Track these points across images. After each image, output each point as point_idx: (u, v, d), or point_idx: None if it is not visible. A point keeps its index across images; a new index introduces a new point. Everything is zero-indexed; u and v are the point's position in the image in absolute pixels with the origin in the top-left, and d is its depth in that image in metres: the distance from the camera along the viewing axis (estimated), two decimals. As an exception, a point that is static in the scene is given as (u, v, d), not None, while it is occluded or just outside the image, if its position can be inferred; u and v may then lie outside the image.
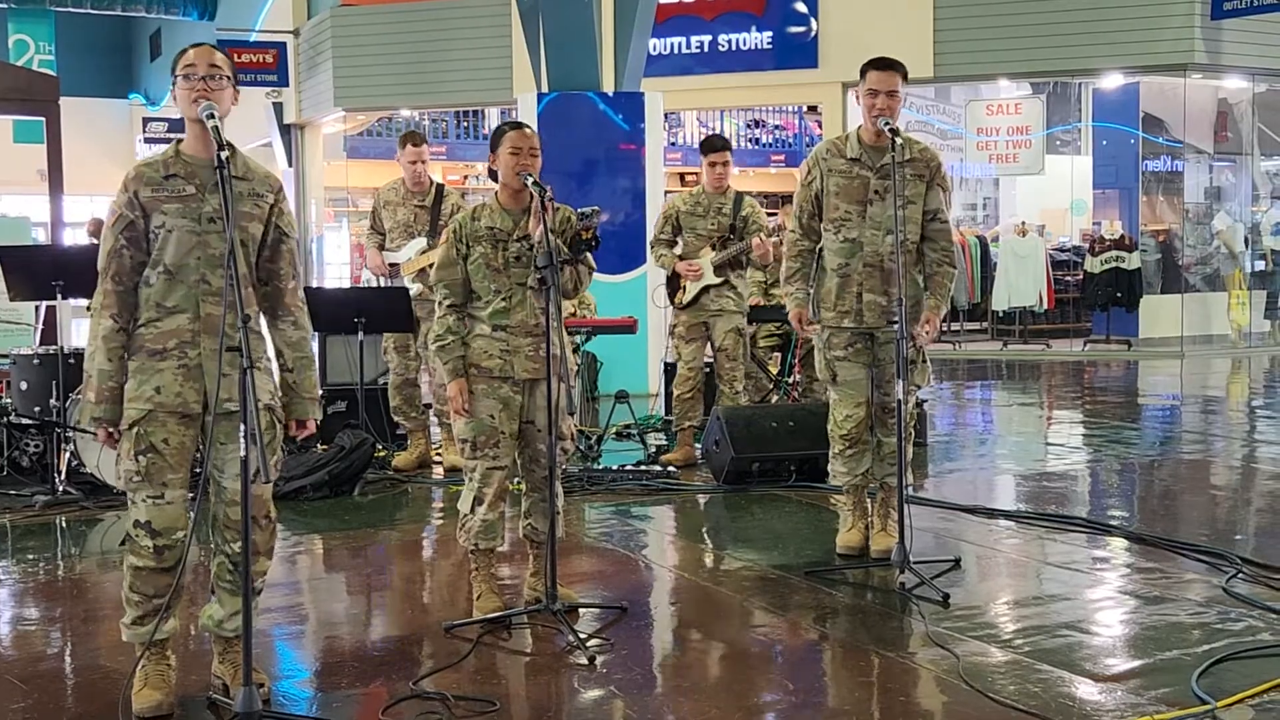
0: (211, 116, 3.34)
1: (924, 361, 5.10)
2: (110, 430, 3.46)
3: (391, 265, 7.24)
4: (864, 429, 5.10)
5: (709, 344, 7.28)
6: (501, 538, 4.53)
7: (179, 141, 3.54)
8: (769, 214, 8.05)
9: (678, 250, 7.29)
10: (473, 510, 4.42)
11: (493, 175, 4.54)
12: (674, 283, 7.33)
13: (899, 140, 4.77)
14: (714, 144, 7.33)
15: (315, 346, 8.10)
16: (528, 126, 4.49)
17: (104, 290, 3.45)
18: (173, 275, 3.46)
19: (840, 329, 5.04)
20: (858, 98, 5.00)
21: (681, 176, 19.64)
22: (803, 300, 5.10)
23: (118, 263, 3.45)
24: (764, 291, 8.26)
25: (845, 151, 5.00)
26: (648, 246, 7.46)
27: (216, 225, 3.45)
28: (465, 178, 20.63)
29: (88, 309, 3.51)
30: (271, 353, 3.68)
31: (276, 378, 3.64)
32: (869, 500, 5.28)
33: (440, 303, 4.46)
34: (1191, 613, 4.35)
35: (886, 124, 4.79)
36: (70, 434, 6.39)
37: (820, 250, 5.10)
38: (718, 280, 7.15)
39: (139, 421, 3.43)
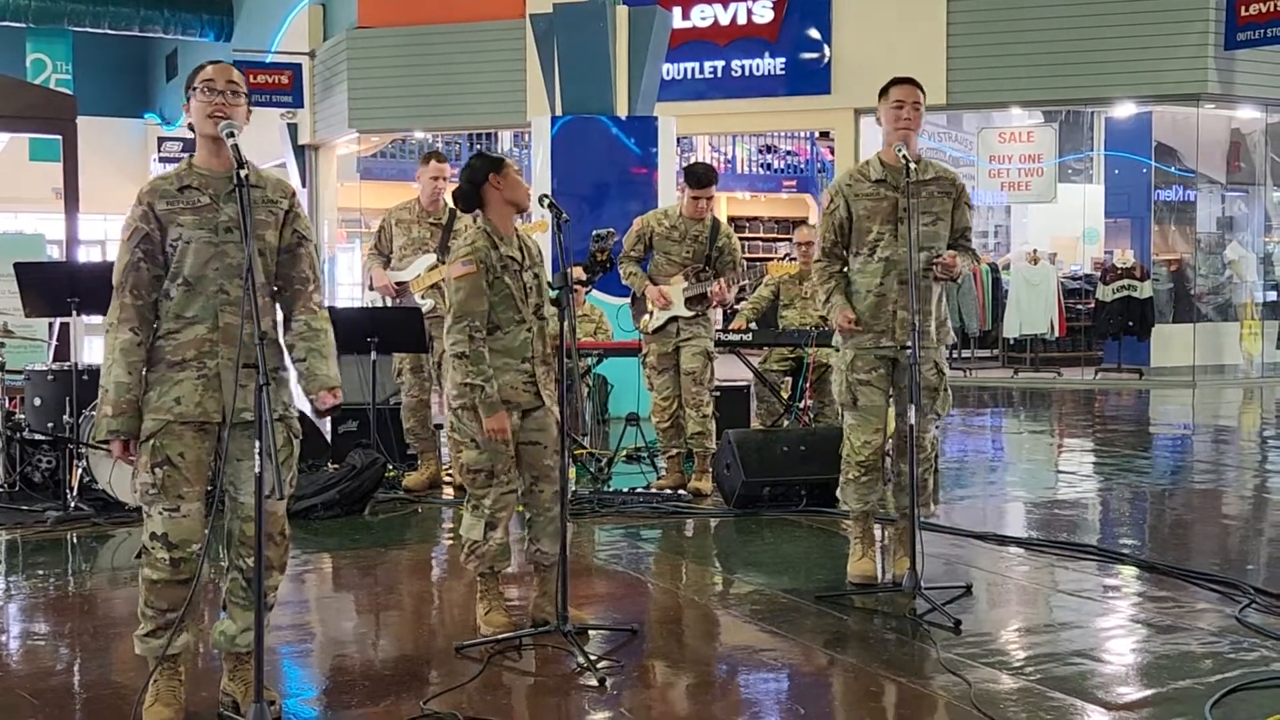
0: (231, 135, 3.37)
1: (945, 390, 5.12)
2: (126, 443, 3.46)
3: (399, 284, 7.24)
4: (879, 456, 5.10)
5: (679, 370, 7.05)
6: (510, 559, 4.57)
7: (191, 156, 3.57)
8: (782, 239, 7.94)
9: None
10: (485, 537, 4.43)
11: (466, 202, 4.46)
12: (641, 304, 7.15)
13: (914, 165, 4.85)
14: (700, 179, 6.94)
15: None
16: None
17: (121, 304, 3.45)
18: (191, 286, 3.47)
19: (865, 350, 5.04)
20: (878, 119, 5.05)
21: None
22: (844, 304, 5.05)
23: (135, 276, 3.46)
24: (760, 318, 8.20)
25: (869, 175, 5.05)
26: (617, 262, 7.02)
27: (234, 235, 3.46)
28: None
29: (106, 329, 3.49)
30: (289, 360, 3.68)
31: (294, 384, 3.65)
32: (878, 527, 5.27)
33: (470, 338, 4.28)
34: (1204, 642, 4.33)
35: (900, 149, 4.87)
36: (83, 450, 6.41)
37: (847, 275, 5.13)
38: (689, 314, 6.98)
39: (155, 434, 3.44)
